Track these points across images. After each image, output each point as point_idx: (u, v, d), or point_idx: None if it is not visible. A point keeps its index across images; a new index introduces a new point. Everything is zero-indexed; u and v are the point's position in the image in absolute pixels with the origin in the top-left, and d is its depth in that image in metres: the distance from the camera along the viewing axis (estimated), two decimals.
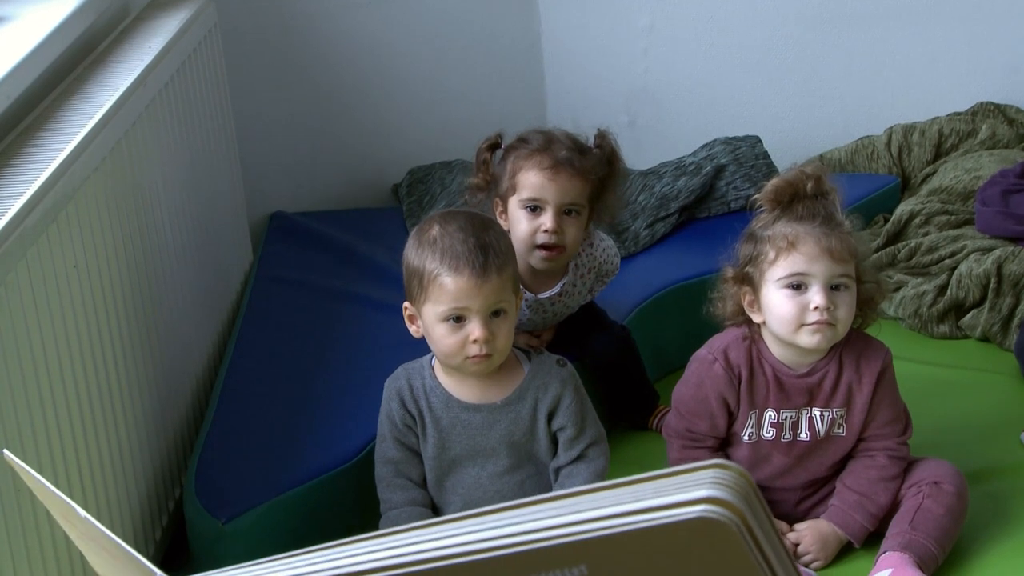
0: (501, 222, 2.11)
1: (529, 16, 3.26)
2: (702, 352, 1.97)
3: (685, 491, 0.55)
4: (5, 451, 0.80)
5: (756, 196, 1.93)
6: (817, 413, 1.94)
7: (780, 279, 1.86)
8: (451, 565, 0.59)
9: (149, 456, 1.99)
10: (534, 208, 2.10)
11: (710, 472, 0.56)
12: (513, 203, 2.12)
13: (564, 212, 2.10)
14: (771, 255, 1.86)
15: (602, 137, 2.18)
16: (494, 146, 2.19)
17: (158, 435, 2.04)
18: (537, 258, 2.12)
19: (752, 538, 0.55)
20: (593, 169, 2.12)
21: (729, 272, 1.93)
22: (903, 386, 1.99)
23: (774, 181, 1.91)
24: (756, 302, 1.90)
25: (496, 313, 1.83)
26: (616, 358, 2.26)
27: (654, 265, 2.65)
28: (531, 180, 2.10)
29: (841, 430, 1.96)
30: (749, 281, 1.90)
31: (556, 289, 2.19)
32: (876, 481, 1.94)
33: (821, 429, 1.95)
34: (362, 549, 0.61)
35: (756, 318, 1.92)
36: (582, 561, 0.58)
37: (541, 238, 2.10)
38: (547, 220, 2.09)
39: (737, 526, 0.55)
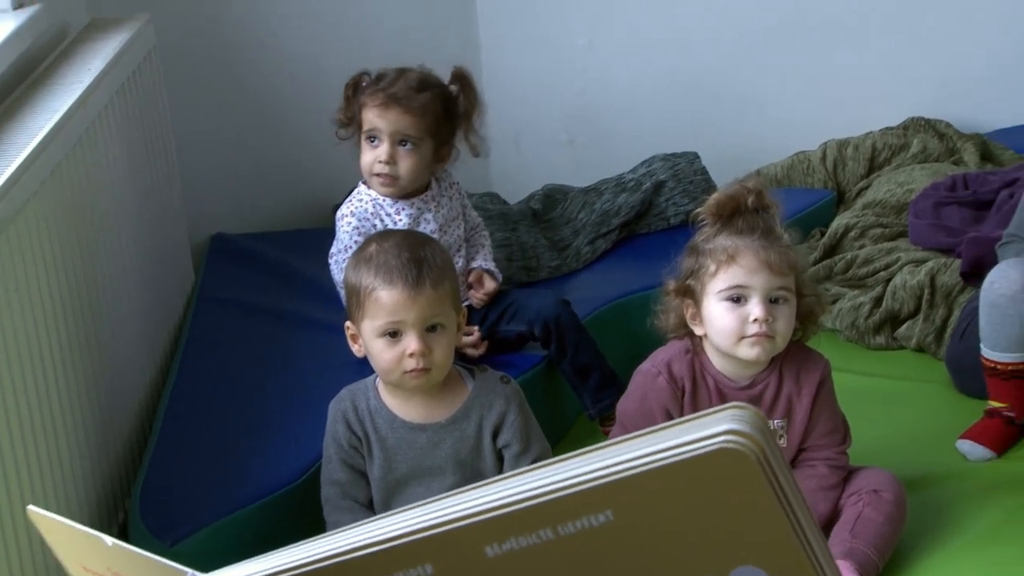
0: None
1: (468, 35, 3.28)
2: (645, 365, 1.99)
3: (706, 428, 0.58)
4: (30, 507, 0.80)
5: (699, 210, 1.95)
6: None
7: (720, 291, 1.89)
8: (480, 522, 0.60)
9: (92, 480, 1.98)
10: (371, 139, 2.28)
11: (728, 412, 0.59)
12: (362, 136, 2.30)
13: (399, 143, 2.26)
14: (712, 268, 1.89)
15: (458, 76, 2.33)
16: (357, 83, 2.32)
17: (100, 459, 2.03)
18: (376, 184, 2.29)
19: (770, 468, 0.58)
20: (427, 106, 2.26)
21: (671, 285, 1.95)
22: (841, 397, 2.03)
23: (716, 195, 1.94)
24: (698, 315, 1.93)
25: (432, 328, 1.85)
26: (557, 311, 2.30)
27: (596, 281, 2.67)
28: (367, 114, 2.27)
29: (783, 441, 1.98)
30: (691, 294, 1.93)
31: (426, 196, 2.33)
32: (816, 491, 1.97)
33: None
34: (393, 521, 0.63)
35: (698, 330, 1.94)
36: (608, 506, 0.59)
37: (377, 167, 2.27)
38: (381, 151, 2.26)
39: (757, 456, 0.57)
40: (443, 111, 2.29)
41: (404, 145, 2.27)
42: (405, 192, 2.30)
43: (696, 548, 0.60)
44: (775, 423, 1.97)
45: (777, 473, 0.58)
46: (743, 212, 1.90)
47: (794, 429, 1.97)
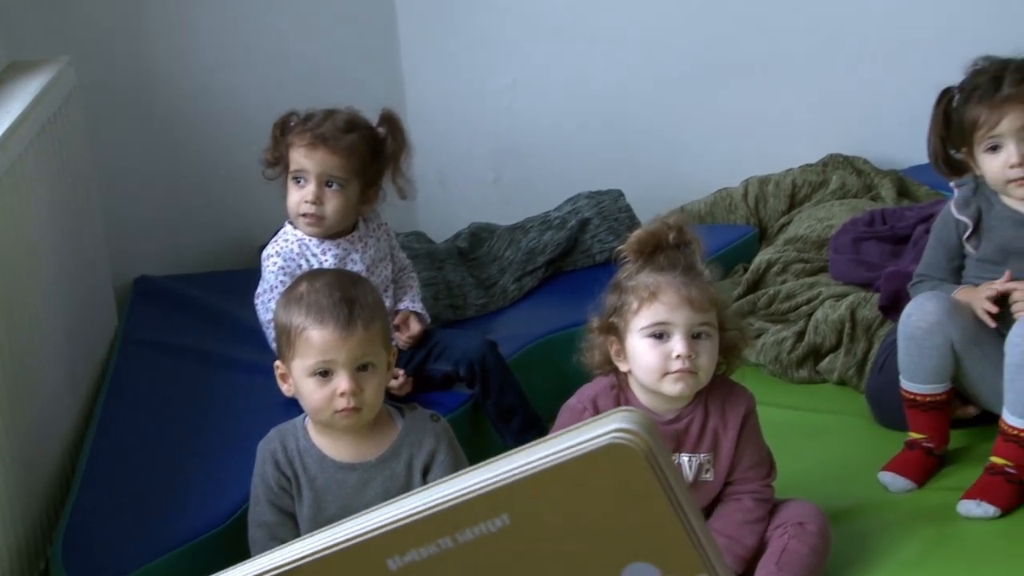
0: None
1: (392, 75, 3.30)
2: (572, 402, 2.00)
3: (595, 429, 0.61)
4: None
5: (621, 247, 1.97)
6: (685, 459, 1.98)
7: (643, 328, 1.90)
8: (380, 535, 0.62)
9: (12, 525, 1.94)
10: (298, 180, 2.29)
11: (617, 414, 0.62)
12: (288, 176, 2.31)
13: (325, 184, 2.27)
14: (634, 305, 1.91)
15: (386, 119, 2.35)
16: (285, 124, 2.33)
17: (21, 504, 1.99)
18: (302, 224, 2.30)
19: (658, 464, 0.61)
20: (354, 147, 2.27)
21: (596, 322, 1.97)
22: (765, 430, 2.05)
23: (637, 232, 1.96)
24: (622, 351, 1.94)
25: (363, 367, 1.85)
26: (482, 352, 2.31)
27: (523, 318, 2.69)
28: (294, 154, 2.29)
29: (709, 475, 2.00)
30: (615, 331, 1.94)
31: (352, 236, 2.35)
32: (742, 524, 1.99)
33: (690, 474, 1.99)
34: (296, 547, 0.65)
35: (623, 367, 1.96)
36: (504, 510, 0.61)
37: (303, 208, 2.28)
38: (308, 191, 2.27)
39: (644, 452, 0.60)
40: (370, 153, 2.30)
41: (330, 186, 2.28)
42: (331, 232, 2.31)
43: (590, 546, 0.62)
44: (701, 457, 1.99)
45: (665, 470, 0.61)
46: (664, 248, 1.92)
47: (720, 463, 1.99)
